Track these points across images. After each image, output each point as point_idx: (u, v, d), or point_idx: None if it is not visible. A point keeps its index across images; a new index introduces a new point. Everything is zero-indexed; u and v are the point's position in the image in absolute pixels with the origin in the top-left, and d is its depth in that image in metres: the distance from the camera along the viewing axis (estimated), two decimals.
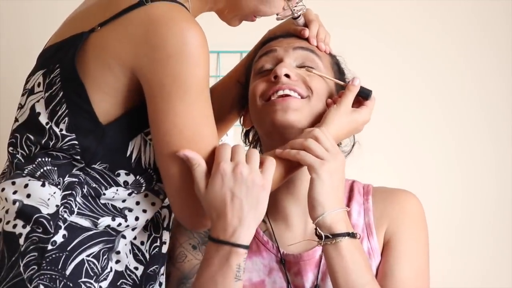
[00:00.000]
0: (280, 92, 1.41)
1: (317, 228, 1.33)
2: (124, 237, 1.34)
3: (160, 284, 1.42)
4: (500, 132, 2.26)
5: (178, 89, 1.26)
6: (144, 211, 1.36)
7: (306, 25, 1.53)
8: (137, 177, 1.34)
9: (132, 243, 1.36)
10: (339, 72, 1.53)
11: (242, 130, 1.62)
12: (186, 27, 1.26)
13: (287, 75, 1.41)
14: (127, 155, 1.31)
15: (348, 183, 1.53)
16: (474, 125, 2.26)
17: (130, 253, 1.35)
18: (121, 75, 1.28)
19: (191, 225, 1.34)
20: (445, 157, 2.25)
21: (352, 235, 1.31)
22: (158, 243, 1.39)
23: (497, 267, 2.21)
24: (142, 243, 1.37)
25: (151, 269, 1.38)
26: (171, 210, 1.41)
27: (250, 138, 1.60)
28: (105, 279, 1.30)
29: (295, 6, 1.47)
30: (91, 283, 1.28)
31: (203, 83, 1.28)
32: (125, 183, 1.33)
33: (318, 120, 1.43)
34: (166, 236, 1.42)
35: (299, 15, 1.51)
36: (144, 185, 1.35)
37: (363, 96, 1.44)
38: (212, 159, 1.28)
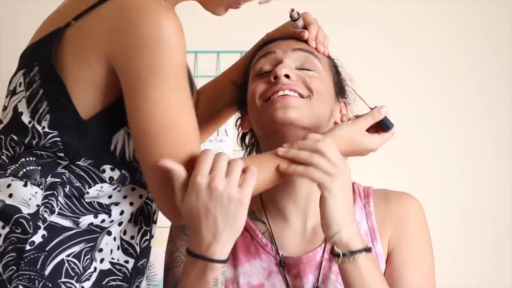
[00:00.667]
0: (280, 93, 1.40)
1: (334, 246, 1.31)
2: (109, 233, 1.33)
3: (146, 278, 1.41)
4: (500, 133, 2.26)
5: (154, 77, 1.24)
6: (131, 204, 1.34)
7: (305, 27, 1.53)
8: (122, 171, 1.32)
9: (121, 238, 1.35)
10: (337, 74, 1.52)
11: (238, 134, 1.60)
12: (161, 14, 1.25)
13: (287, 76, 1.41)
14: (111, 149, 1.30)
15: None
16: (475, 126, 2.26)
17: (119, 248, 1.34)
18: (98, 68, 1.27)
19: (171, 218, 1.32)
20: (445, 157, 2.25)
21: (368, 249, 1.30)
22: (148, 237, 1.39)
23: (497, 268, 2.21)
24: (132, 237, 1.36)
25: (140, 262, 1.37)
26: None
27: (247, 142, 1.58)
28: (87, 279, 1.29)
29: None
30: (71, 283, 1.26)
31: (180, 72, 1.27)
32: (111, 179, 1.32)
33: (319, 120, 1.43)
34: (154, 229, 1.42)
35: (299, 17, 1.50)
36: (128, 178, 1.34)
37: (383, 126, 1.41)
38: (191, 150, 1.26)
